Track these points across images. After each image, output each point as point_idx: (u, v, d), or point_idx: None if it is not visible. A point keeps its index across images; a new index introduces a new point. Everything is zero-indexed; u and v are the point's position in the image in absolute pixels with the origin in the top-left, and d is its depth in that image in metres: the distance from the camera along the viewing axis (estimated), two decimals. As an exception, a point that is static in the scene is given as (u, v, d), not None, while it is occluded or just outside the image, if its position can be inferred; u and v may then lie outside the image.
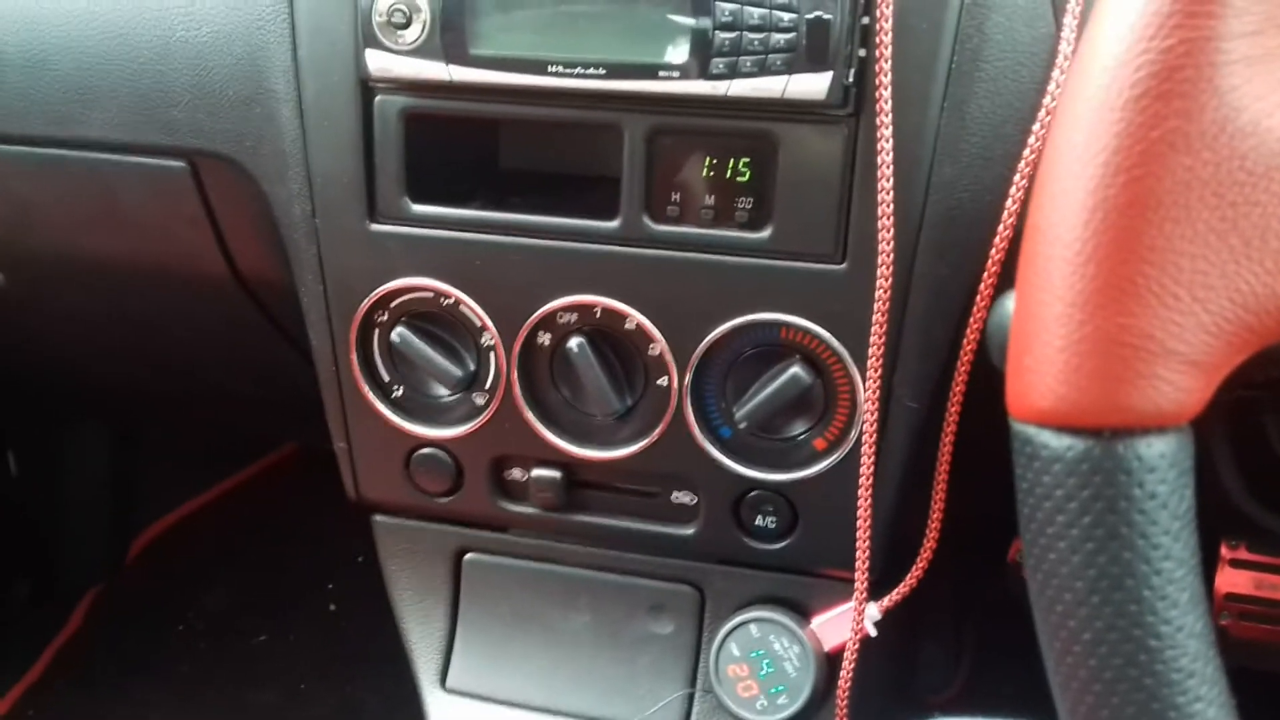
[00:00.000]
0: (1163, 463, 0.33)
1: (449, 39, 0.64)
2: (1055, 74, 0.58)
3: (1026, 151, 0.59)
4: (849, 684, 0.71)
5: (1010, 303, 0.43)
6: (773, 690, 0.73)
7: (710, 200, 0.66)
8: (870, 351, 0.63)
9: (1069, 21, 0.58)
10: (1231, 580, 1.00)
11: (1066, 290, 0.33)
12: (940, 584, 0.74)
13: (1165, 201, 0.32)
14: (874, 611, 0.71)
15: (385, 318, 0.73)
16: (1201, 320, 0.33)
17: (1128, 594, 0.33)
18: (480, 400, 0.73)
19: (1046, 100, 0.59)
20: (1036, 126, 0.59)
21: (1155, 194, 0.32)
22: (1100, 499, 0.33)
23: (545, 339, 0.70)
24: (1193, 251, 0.32)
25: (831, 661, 0.73)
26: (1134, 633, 0.33)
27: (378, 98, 0.68)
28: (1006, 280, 0.61)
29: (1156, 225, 0.32)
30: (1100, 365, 0.33)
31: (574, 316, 0.69)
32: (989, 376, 0.65)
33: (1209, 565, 1.03)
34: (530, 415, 0.72)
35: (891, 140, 0.59)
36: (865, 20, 0.59)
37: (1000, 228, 0.60)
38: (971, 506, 0.72)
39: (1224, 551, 1.00)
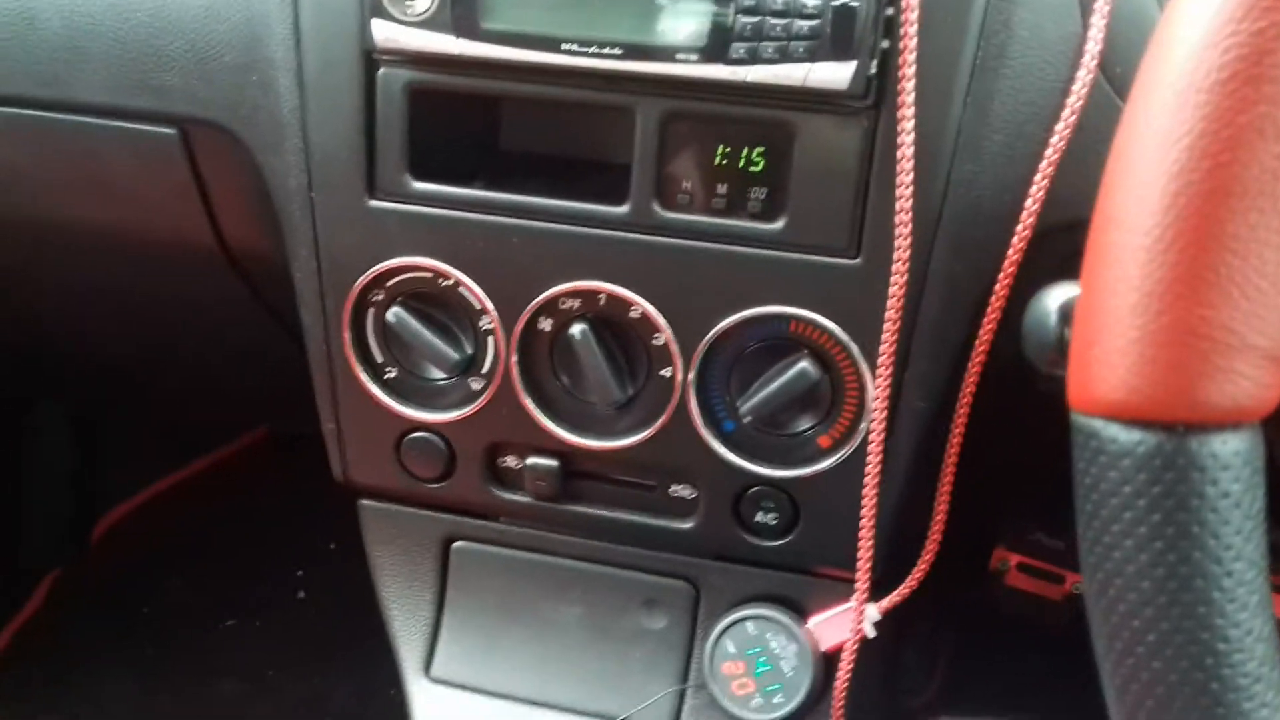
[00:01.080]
0: (1237, 460, 0.32)
1: (460, 11, 0.62)
2: (1081, 73, 0.58)
3: (1049, 151, 0.58)
4: (846, 685, 0.70)
5: (1050, 298, 0.42)
6: (769, 689, 0.72)
7: (723, 189, 0.64)
8: (881, 349, 0.62)
9: (1096, 20, 0.57)
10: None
11: (1143, 279, 0.32)
12: (924, 587, 0.73)
13: (1251, 190, 0.31)
14: (874, 613, 0.70)
15: (381, 297, 0.71)
16: None
17: (1197, 595, 0.32)
18: (477, 385, 0.71)
19: (1071, 99, 0.58)
20: (1060, 126, 0.58)
21: (1241, 182, 0.31)
22: (1171, 496, 0.32)
23: (547, 325, 0.68)
24: (1277, 243, 0.31)
25: (828, 661, 0.73)
26: (1201, 635, 0.32)
27: (381, 70, 0.66)
28: (1023, 281, 0.60)
29: (1241, 214, 0.31)
30: (1177, 357, 0.32)
31: (577, 302, 0.67)
32: (999, 379, 0.64)
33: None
34: (528, 402, 0.70)
35: (913, 134, 0.58)
36: (890, 11, 0.58)
37: (1019, 227, 0.59)
38: (956, 511, 0.71)
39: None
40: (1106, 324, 0.33)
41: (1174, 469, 0.32)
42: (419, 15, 0.63)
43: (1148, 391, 0.33)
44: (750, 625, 0.72)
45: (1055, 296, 0.42)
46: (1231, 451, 0.32)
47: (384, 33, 0.64)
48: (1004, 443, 0.83)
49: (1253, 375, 0.32)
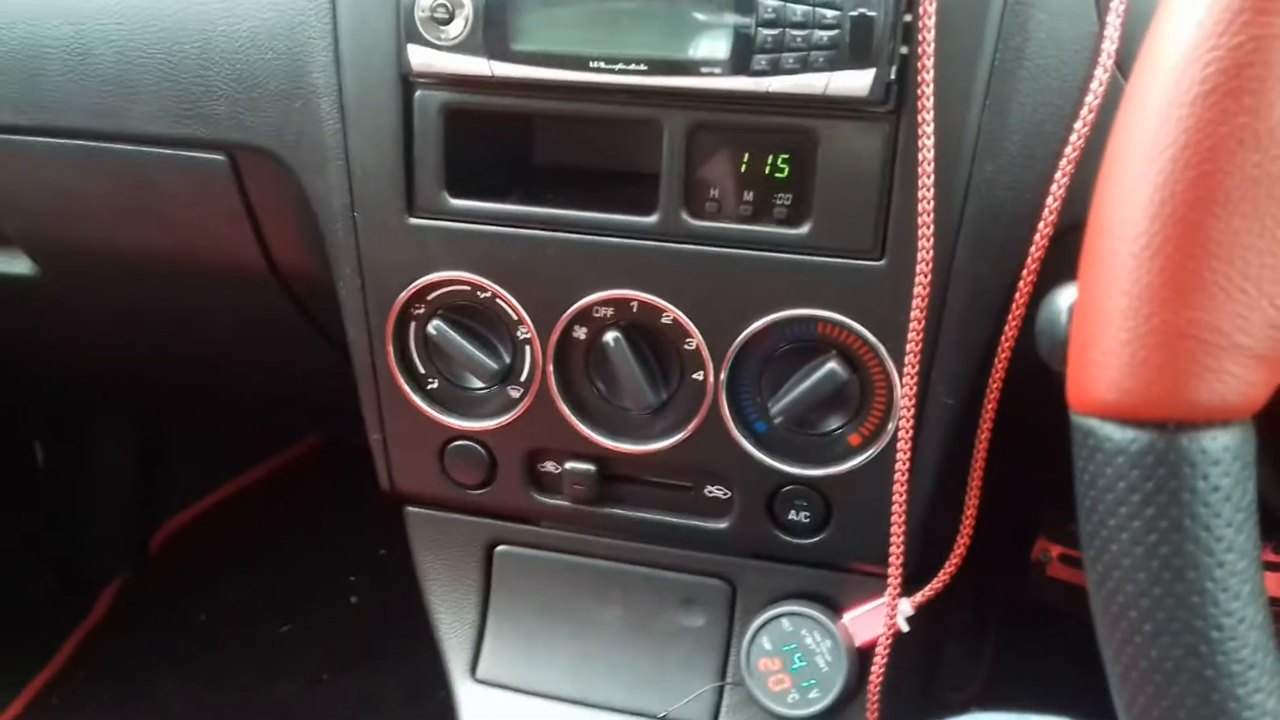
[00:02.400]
0: (1226, 455, 0.34)
1: (491, 34, 0.64)
2: (1098, 72, 0.59)
3: (1068, 149, 0.59)
4: (881, 679, 0.72)
5: (1061, 298, 0.44)
6: (805, 684, 0.73)
7: (749, 196, 0.66)
8: (908, 348, 0.64)
9: (1112, 20, 0.58)
10: (1258, 581, 1.00)
11: (1132, 284, 0.34)
12: (963, 582, 0.74)
13: (1234, 197, 0.33)
14: (907, 607, 0.71)
15: (422, 310, 0.73)
16: (1268, 314, 0.33)
17: (1190, 586, 0.34)
18: (515, 393, 0.73)
19: (1089, 99, 0.59)
20: (1079, 125, 0.59)
21: (1224, 189, 0.32)
22: (1164, 491, 0.34)
23: (581, 333, 0.71)
24: (1260, 246, 0.33)
25: (863, 656, 0.74)
26: (1195, 624, 0.34)
27: (418, 93, 0.68)
28: (1046, 278, 0.61)
29: (1224, 220, 0.33)
30: (1166, 358, 0.33)
31: (610, 311, 0.69)
32: (1025, 375, 0.65)
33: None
34: (565, 409, 0.72)
35: (933, 137, 0.60)
36: (908, 17, 0.60)
37: (1040, 225, 0.60)
38: (995, 505, 0.72)
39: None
40: (1099, 327, 0.35)
41: (1166, 465, 0.34)
42: (452, 39, 0.65)
43: (1140, 391, 0.34)
44: (786, 622, 0.74)
45: (1066, 296, 0.43)
46: (1221, 447, 0.34)
47: (419, 57, 0.66)
48: (1037, 436, 0.84)
49: (1240, 374, 0.33)
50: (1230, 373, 0.33)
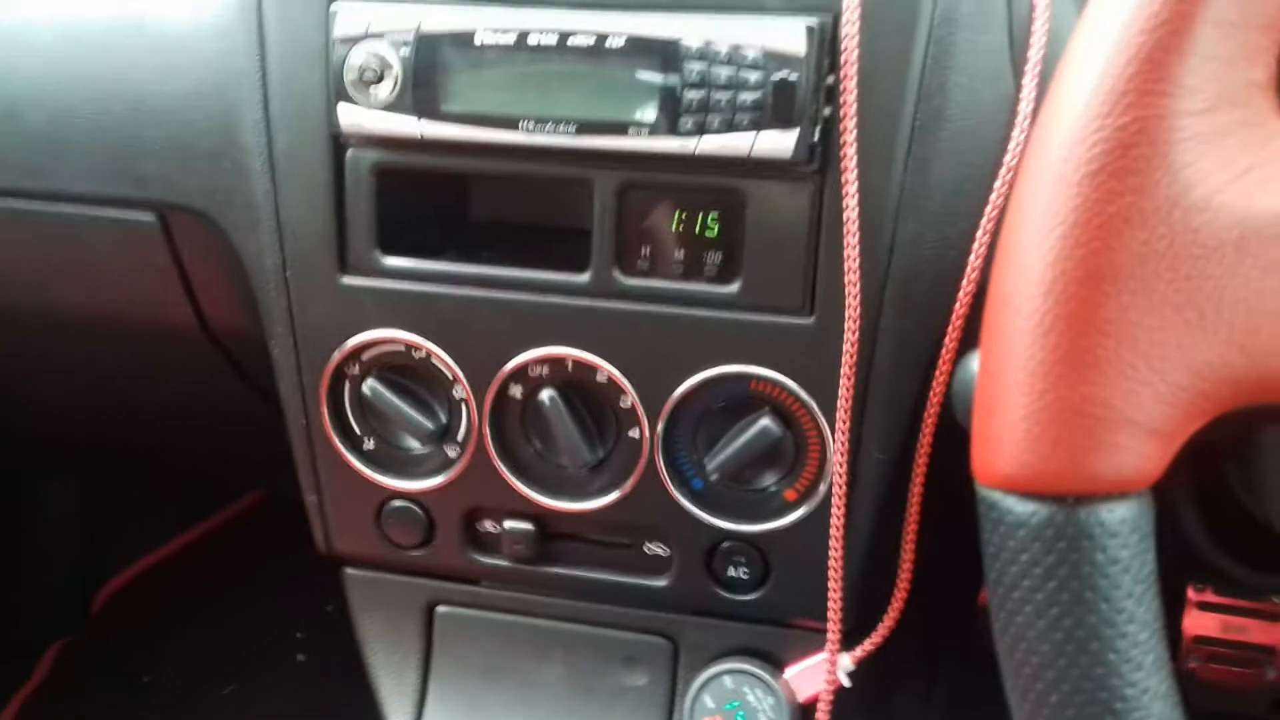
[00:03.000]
0: (1124, 528, 0.34)
1: (420, 95, 0.65)
2: (1015, 133, 0.60)
3: (989, 209, 0.60)
4: (822, 735, 0.71)
5: (974, 363, 0.44)
6: (746, 742, 0.73)
7: (680, 254, 0.66)
8: (839, 404, 0.64)
9: (1029, 81, 0.60)
10: (1199, 623, 1.01)
11: (1027, 360, 0.34)
12: (910, 632, 0.74)
13: (1122, 274, 0.33)
14: (847, 662, 0.71)
15: (356, 370, 0.73)
16: (1159, 390, 0.34)
17: (1093, 657, 0.34)
18: (452, 452, 0.73)
19: (1007, 158, 0.60)
20: (998, 184, 0.60)
21: (1112, 267, 0.33)
22: (1064, 564, 0.34)
23: (517, 391, 0.70)
24: (1149, 323, 0.33)
25: (805, 712, 0.73)
26: (1099, 695, 0.34)
27: (349, 152, 0.68)
28: (970, 336, 0.62)
29: (1114, 298, 0.33)
30: (1062, 433, 0.34)
31: (545, 369, 0.69)
32: (955, 429, 0.66)
33: (1176, 608, 1.05)
34: (502, 467, 0.72)
35: (856, 197, 0.61)
36: (830, 80, 0.61)
37: (964, 283, 0.61)
38: (941, 554, 0.73)
39: (1191, 594, 1.01)
40: (999, 400, 0.35)
41: (1065, 538, 0.34)
42: (382, 100, 0.65)
43: (1037, 466, 0.34)
44: (728, 679, 0.73)
45: (979, 361, 0.44)
46: (1119, 519, 0.34)
47: (350, 117, 0.66)
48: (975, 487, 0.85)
49: (1134, 448, 0.34)
50: (1125, 447, 0.34)
